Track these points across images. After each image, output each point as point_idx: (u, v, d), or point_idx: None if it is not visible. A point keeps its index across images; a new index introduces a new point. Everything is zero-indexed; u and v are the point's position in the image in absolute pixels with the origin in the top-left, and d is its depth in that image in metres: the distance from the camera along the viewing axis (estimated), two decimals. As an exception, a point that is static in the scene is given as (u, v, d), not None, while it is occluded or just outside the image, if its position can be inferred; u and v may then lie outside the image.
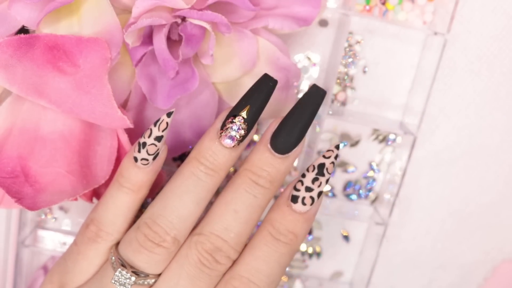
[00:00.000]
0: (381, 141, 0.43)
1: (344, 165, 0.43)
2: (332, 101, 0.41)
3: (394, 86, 0.41)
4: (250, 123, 0.29)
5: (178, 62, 0.31)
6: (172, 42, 0.31)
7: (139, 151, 0.30)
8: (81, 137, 0.31)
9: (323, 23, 0.39)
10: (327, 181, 0.29)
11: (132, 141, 0.32)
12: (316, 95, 0.28)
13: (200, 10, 0.29)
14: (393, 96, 0.42)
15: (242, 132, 0.29)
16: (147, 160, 0.30)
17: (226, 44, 0.33)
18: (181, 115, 0.35)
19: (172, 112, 0.30)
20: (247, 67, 0.33)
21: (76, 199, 0.31)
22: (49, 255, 0.44)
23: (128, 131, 0.32)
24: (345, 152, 0.43)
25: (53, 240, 0.43)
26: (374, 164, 0.43)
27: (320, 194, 0.29)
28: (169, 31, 0.31)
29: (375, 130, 0.42)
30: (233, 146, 0.29)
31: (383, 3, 0.39)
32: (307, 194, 0.28)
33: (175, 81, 0.32)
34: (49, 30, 0.28)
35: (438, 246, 0.46)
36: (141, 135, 0.30)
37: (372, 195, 0.44)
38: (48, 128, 0.30)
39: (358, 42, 0.40)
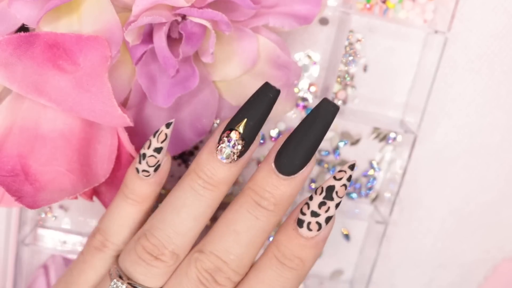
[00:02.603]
0: (381, 140, 0.43)
1: (344, 163, 0.43)
2: (333, 100, 0.41)
3: (395, 84, 0.41)
4: (248, 138, 0.27)
5: (178, 60, 0.30)
6: (172, 40, 0.31)
7: (140, 162, 0.29)
8: (81, 135, 0.31)
9: (324, 21, 0.39)
10: (337, 205, 0.26)
11: (132, 140, 0.32)
12: (326, 112, 0.26)
13: (201, 8, 0.29)
14: (393, 95, 0.41)
15: (239, 147, 0.27)
16: (147, 172, 0.29)
17: (226, 42, 0.33)
18: (181, 113, 0.35)
19: (171, 122, 0.29)
20: (247, 66, 0.33)
21: (76, 198, 0.31)
22: (49, 254, 0.44)
23: (128, 129, 0.32)
24: (346, 151, 0.43)
25: (53, 239, 0.43)
26: (374, 163, 0.43)
27: (328, 219, 0.26)
28: (169, 29, 0.31)
29: (376, 129, 0.42)
30: (231, 162, 0.27)
31: (384, 2, 0.38)
32: (313, 220, 0.26)
33: (175, 79, 0.32)
34: (49, 28, 0.28)
35: (439, 245, 0.46)
36: (142, 145, 0.30)
37: (372, 193, 0.44)
38: (48, 126, 0.30)
39: (358, 40, 0.40)
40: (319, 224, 0.26)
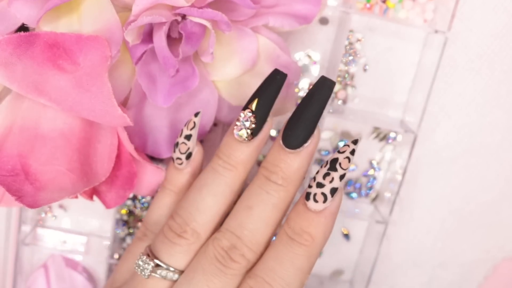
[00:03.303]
0: (381, 140, 0.43)
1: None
2: (333, 99, 0.41)
3: (395, 84, 0.41)
4: (259, 114, 0.29)
5: (178, 60, 0.30)
6: (172, 40, 0.31)
7: (174, 151, 0.32)
8: (81, 135, 0.31)
9: (324, 21, 0.39)
10: (341, 177, 0.27)
11: (132, 140, 0.32)
12: (323, 86, 0.28)
13: (200, 8, 0.29)
14: (393, 94, 0.41)
15: (249, 123, 0.29)
16: (180, 159, 0.32)
17: (226, 42, 0.33)
18: (181, 113, 0.35)
19: (199, 112, 0.31)
20: (247, 65, 0.33)
21: (76, 197, 0.31)
22: (49, 254, 0.44)
23: (128, 129, 0.32)
24: (346, 151, 0.43)
25: (53, 239, 0.43)
26: (374, 163, 0.43)
27: (333, 191, 0.27)
28: (169, 29, 0.31)
29: (376, 129, 0.42)
30: (245, 139, 0.29)
31: (384, 1, 0.38)
32: (318, 190, 0.27)
33: (175, 79, 0.32)
34: (49, 28, 0.28)
35: (439, 245, 0.46)
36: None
37: (372, 193, 0.44)
38: (48, 126, 0.30)
39: (358, 40, 0.40)
40: (325, 196, 0.27)
